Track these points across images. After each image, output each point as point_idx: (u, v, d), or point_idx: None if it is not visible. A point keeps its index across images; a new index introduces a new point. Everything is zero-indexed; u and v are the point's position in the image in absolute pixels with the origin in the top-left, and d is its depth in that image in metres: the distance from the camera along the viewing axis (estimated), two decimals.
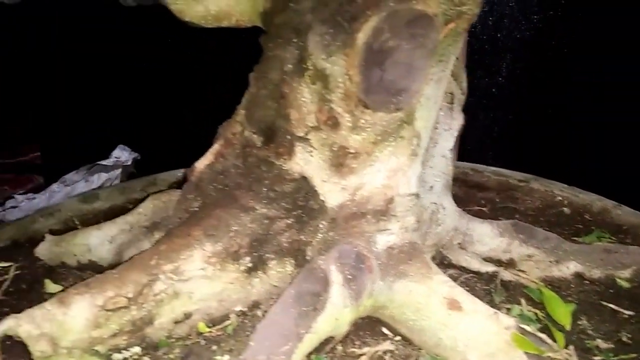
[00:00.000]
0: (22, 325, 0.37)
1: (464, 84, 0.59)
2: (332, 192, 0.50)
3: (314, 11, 0.46)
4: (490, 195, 0.77)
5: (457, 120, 0.58)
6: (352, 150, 0.48)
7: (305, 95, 0.48)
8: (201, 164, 0.53)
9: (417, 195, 0.51)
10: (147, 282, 0.43)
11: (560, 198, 0.75)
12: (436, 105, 0.52)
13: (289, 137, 0.49)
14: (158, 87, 1.41)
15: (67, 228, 0.72)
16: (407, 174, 0.50)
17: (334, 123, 0.47)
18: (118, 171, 1.49)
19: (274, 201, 0.50)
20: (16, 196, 1.50)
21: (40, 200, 1.47)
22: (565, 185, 0.77)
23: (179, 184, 0.86)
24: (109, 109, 1.50)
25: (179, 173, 0.88)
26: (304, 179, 0.50)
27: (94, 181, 1.47)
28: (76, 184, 1.47)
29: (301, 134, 0.49)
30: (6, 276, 0.59)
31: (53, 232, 0.69)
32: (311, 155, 0.49)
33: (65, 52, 1.47)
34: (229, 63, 1.17)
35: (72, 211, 0.74)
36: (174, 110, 1.44)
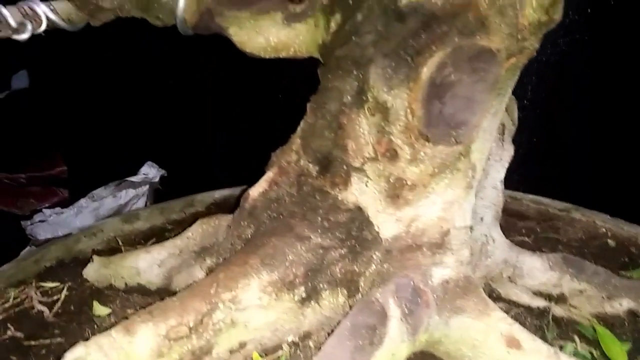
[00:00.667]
0: (91, 353, 0.37)
1: (515, 115, 0.59)
2: (387, 223, 0.50)
3: (376, 45, 0.46)
4: (531, 225, 0.77)
5: (508, 151, 0.58)
6: (409, 182, 0.48)
7: (363, 126, 0.48)
8: (255, 191, 0.53)
9: (471, 228, 0.51)
10: (207, 311, 0.44)
11: (603, 229, 0.74)
12: (491, 137, 0.52)
13: (345, 167, 0.50)
14: (187, 105, 1.43)
15: (110, 248, 0.73)
16: (463, 207, 0.50)
17: (392, 155, 0.47)
18: (145, 187, 1.50)
19: (329, 231, 0.50)
20: (44, 210, 1.52)
21: (68, 215, 1.49)
22: (608, 216, 0.76)
23: (216, 205, 0.87)
24: (137, 125, 1.53)
25: (216, 194, 0.88)
26: (359, 209, 0.50)
27: (122, 197, 1.49)
28: (104, 200, 1.48)
29: (357, 165, 0.49)
30: (55, 297, 0.60)
31: (97, 253, 0.70)
32: (366, 186, 0.50)
33: (95, 68, 1.50)
34: (257, 83, 1.18)
35: (114, 231, 0.75)
36: (202, 128, 1.46)
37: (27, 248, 1.49)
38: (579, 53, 1.01)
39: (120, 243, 0.72)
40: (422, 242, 0.49)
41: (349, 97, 0.48)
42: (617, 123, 1.03)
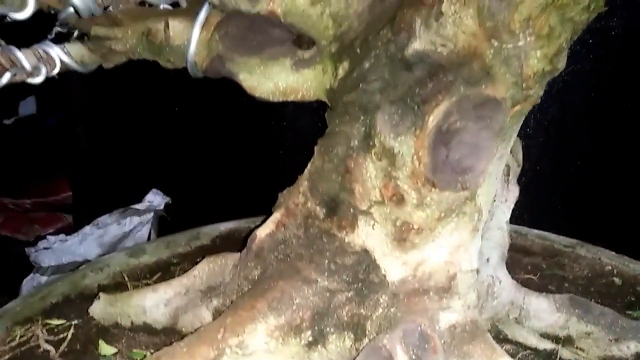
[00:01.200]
0: None
1: (520, 156, 0.60)
2: (394, 267, 0.50)
3: (383, 92, 0.48)
4: (536, 261, 0.76)
5: (513, 192, 0.59)
6: (415, 226, 0.49)
7: (370, 171, 0.49)
8: (262, 232, 0.54)
9: (477, 271, 0.51)
10: (215, 357, 0.43)
11: (609, 267, 0.74)
12: (497, 181, 0.53)
13: (352, 210, 0.50)
14: (194, 132, 1.44)
15: (115, 283, 0.73)
16: (469, 250, 0.50)
17: (399, 199, 0.48)
18: (150, 215, 1.51)
19: (335, 274, 0.50)
20: (49, 237, 1.52)
21: (73, 242, 1.49)
22: (613, 253, 0.76)
23: (222, 239, 0.87)
24: (143, 151, 1.54)
25: (222, 227, 0.89)
26: (366, 252, 0.50)
27: (126, 224, 1.49)
28: (108, 227, 1.49)
29: (364, 208, 0.50)
30: (61, 335, 0.60)
31: (103, 288, 0.70)
32: (373, 229, 0.50)
33: (102, 95, 1.52)
34: (265, 112, 1.20)
35: (120, 265, 0.75)
36: (208, 155, 1.47)
37: (31, 275, 1.49)
38: (581, 87, 1.03)
39: (126, 278, 0.72)
40: (429, 286, 0.49)
41: (356, 142, 0.49)
42: (621, 158, 1.04)
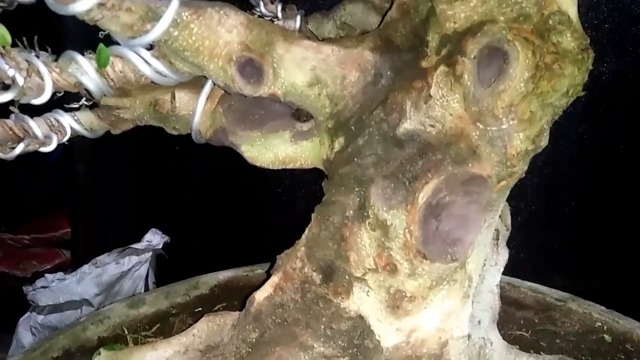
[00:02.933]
0: None
1: (508, 220, 0.62)
2: (388, 333, 0.52)
3: (376, 166, 0.50)
4: (528, 315, 0.78)
5: (503, 256, 0.61)
6: (408, 294, 0.51)
7: (365, 240, 0.51)
8: (260, 295, 0.56)
9: (469, 337, 0.53)
10: None
11: (599, 323, 0.75)
12: (486, 248, 0.55)
13: (347, 277, 0.52)
14: (194, 172, 1.47)
15: (116, 335, 0.74)
16: (460, 317, 0.52)
17: (392, 269, 0.50)
18: (149, 254, 1.52)
19: (331, 339, 0.52)
20: (47, 275, 1.53)
21: (71, 281, 1.50)
22: (604, 308, 0.78)
23: (220, 288, 0.89)
24: (143, 190, 1.56)
25: (220, 276, 0.90)
26: (360, 318, 0.52)
27: (125, 264, 1.50)
28: (107, 266, 1.49)
29: (359, 275, 0.52)
30: None
31: (102, 341, 0.71)
32: (368, 295, 0.52)
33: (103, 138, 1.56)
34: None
35: (120, 317, 0.77)
36: (207, 195, 1.49)
37: (27, 314, 1.49)
38: (574, 129, 1.06)
39: (126, 331, 0.73)
40: (421, 353, 0.51)
41: (351, 212, 0.52)
42: (614, 201, 1.07)
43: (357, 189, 0.51)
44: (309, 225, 0.55)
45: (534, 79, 0.45)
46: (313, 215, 0.55)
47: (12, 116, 0.53)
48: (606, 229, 1.19)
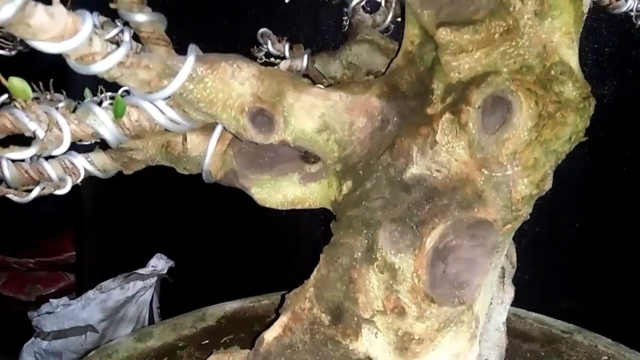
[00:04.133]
0: None
1: (514, 258, 0.63)
2: None
3: (384, 210, 0.51)
4: (535, 348, 0.78)
5: (509, 294, 0.62)
6: (416, 337, 0.51)
7: (373, 282, 0.52)
8: (269, 336, 0.56)
9: None
10: None
11: (605, 357, 0.75)
12: (492, 288, 0.56)
13: (356, 318, 0.53)
14: (200, 198, 1.48)
15: None
16: (468, 358, 0.53)
17: (400, 311, 0.51)
18: (153, 279, 1.52)
19: None
20: (51, 300, 1.53)
21: (76, 307, 1.50)
22: (610, 341, 0.78)
23: (227, 319, 0.89)
24: (148, 214, 1.57)
25: (227, 307, 0.91)
26: (369, 359, 0.53)
27: (129, 289, 1.50)
28: (112, 292, 1.50)
29: (368, 317, 0.53)
30: None
31: None
32: (376, 337, 0.53)
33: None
34: None
35: (127, 351, 0.77)
36: (212, 220, 1.50)
37: (32, 339, 1.49)
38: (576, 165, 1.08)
39: None
40: None
41: (359, 254, 0.53)
42: (616, 238, 1.08)
43: (365, 232, 0.53)
44: (318, 266, 0.56)
45: (537, 127, 0.46)
46: (322, 256, 0.56)
47: (27, 159, 0.54)
48: (610, 252, 1.20)
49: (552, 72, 0.46)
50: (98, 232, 1.71)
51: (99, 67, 0.39)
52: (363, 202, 0.52)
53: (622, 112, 1.11)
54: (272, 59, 0.74)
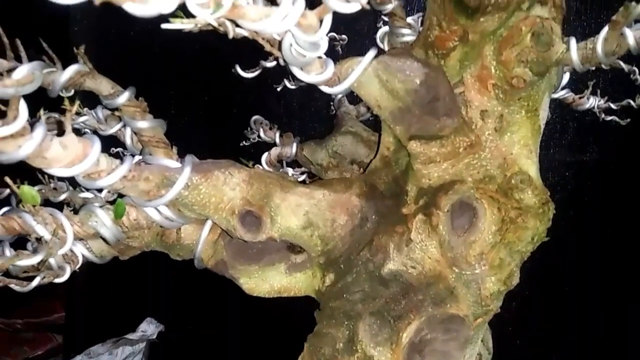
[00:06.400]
0: None
1: (490, 344, 0.66)
2: None
3: (364, 302, 0.55)
4: None
5: None
6: None
7: None
8: None
9: None
10: None
11: None
12: None
13: None
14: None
15: None
16: None
17: None
18: (143, 345, 1.51)
19: None
20: None
21: None
22: None
23: None
24: (138, 277, 1.58)
25: None
26: None
27: (118, 354, 1.49)
28: (100, 357, 1.48)
29: None
30: None
31: None
32: None
33: None
34: None
35: None
36: (202, 284, 1.51)
37: None
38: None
39: None
40: None
41: (341, 345, 0.56)
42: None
43: (346, 323, 0.56)
44: (302, 355, 0.59)
45: (500, 231, 0.51)
46: (306, 345, 0.59)
47: (29, 245, 0.58)
48: (598, 314, 1.22)
49: (513, 181, 0.51)
50: (88, 293, 1.71)
51: (104, 183, 0.43)
52: (344, 295, 0.56)
53: (604, 179, 1.16)
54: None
